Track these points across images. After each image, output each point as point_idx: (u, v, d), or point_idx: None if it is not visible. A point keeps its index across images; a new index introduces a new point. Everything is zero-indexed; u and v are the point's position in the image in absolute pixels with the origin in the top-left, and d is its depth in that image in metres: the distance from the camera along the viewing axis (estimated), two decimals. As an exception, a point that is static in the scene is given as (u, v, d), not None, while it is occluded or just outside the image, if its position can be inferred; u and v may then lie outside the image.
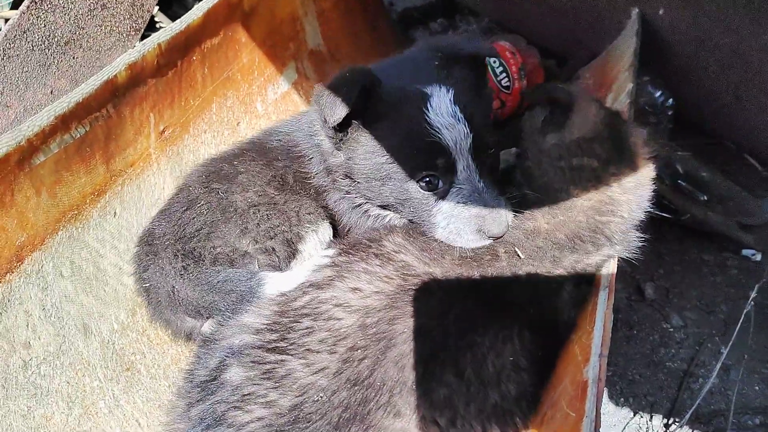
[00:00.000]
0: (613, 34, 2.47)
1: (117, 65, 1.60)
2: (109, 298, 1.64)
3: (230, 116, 2.13)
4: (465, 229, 1.44)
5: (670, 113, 2.44)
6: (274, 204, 1.66)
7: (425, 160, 1.44)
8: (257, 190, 1.65)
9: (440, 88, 1.44)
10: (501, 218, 1.41)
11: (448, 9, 3.25)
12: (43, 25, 1.66)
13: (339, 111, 1.37)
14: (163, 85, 1.79)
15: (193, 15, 1.82)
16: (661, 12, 2.32)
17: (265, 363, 1.30)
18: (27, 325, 1.47)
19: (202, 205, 1.64)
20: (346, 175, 1.56)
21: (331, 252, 1.50)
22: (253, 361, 1.30)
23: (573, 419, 1.15)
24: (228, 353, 1.35)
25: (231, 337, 1.38)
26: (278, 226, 1.63)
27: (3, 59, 1.56)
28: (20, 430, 1.40)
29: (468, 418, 1.28)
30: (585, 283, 1.44)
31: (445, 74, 1.51)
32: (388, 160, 1.46)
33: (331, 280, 1.40)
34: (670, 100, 2.45)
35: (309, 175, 1.68)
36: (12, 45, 1.57)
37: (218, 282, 1.55)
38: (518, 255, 1.40)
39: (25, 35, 1.59)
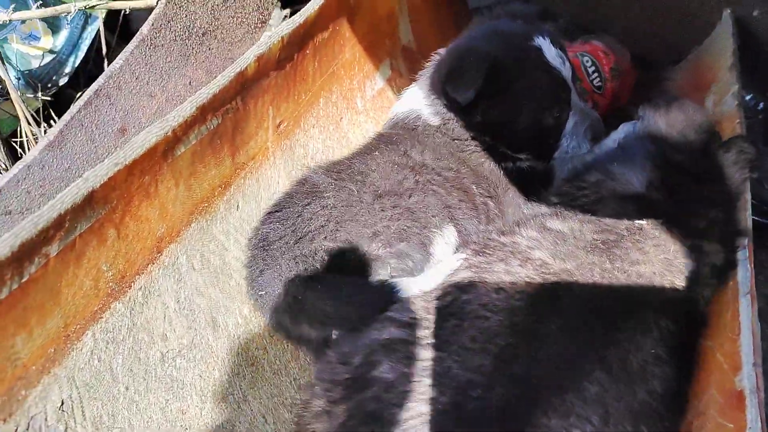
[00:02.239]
0: (702, 35, 2.45)
1: (248, 57, 1.58)
2: (234, 292, 1.63)
3: (334, 111, 2.12)
4: (584, 139, 1.84)
5: (761, 117, 2.42)
6: (402, 203, 1.61)
7: (556, 97, 1.78)
8: (388, 190, 1.62)
9: (540, 38, 1.73)
10: (601, 122, 1.87)
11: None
12: (184, 15, 1.67)
13: (470, 92, 1.66)
14: (281, 79, 1.78)
15: (311, 8, 1.80)
16: (755, 13, 2.30)
17: (419, 360, 1.28)
18: (164, 317, 1.46)
19: (329, 198, 1.59)
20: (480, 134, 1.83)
21: (464, 254, 1.49)
22: (407, 357, 1.28)
23: (730, 429, 1.12)
24: (375, 348, 1.33)
25: (376, 332, 1.36)
26: (409, 228, 1.58)
27: (150, 48, 1.55)
28: (159, 422, 1.39)
29: (618, 416, 1.26)
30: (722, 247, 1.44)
31: (535, 28, 1.80)
32: (531, 108, 1.75)
33: (472, 281, 1.39)
34: (761, 104, 2.43)
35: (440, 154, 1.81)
36: (158, 34, 1.55)
37: (347, 295, 1.49)
38: (640, 228, 1.45)
39: (169, 24, 1.58)
